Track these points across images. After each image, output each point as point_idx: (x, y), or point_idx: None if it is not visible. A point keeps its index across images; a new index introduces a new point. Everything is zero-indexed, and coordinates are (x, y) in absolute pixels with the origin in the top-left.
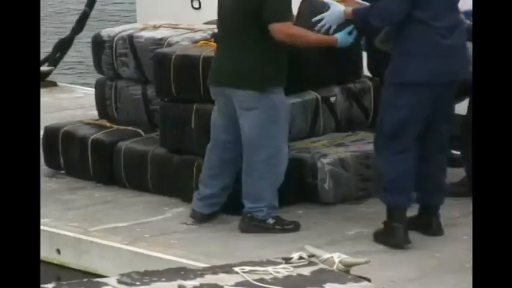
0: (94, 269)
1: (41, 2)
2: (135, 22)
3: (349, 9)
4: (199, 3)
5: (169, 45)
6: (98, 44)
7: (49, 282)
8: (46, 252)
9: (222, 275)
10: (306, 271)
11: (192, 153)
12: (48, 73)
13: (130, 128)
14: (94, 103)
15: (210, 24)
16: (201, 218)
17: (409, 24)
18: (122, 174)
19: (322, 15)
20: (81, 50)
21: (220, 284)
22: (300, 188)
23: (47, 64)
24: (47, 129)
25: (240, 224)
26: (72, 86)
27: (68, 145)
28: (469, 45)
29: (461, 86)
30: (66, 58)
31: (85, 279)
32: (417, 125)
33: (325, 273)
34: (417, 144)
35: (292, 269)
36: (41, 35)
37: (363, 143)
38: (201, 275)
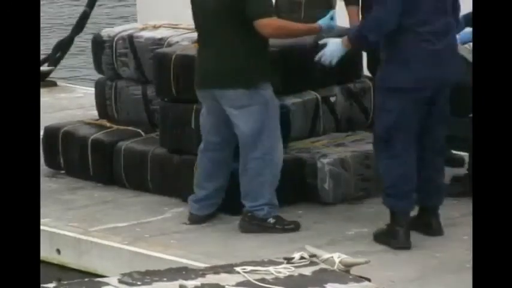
0: (94, 269)
1: None
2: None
3: (345, 38)
4: None
5: (169, 45)
6: (98, 44)
7: (49, 282)
8: (46, 252)
9: (223, 275)
10: (307, 271)
11: (192, 153)
12: (48, 73)
13: (130, 128)
14: (94, 103)
15: None
16: (199, 220)
17: (396, 30)
18: (122, 174)
19: (321, 52)
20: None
21: (221, 284)
22: (300, 188)
23: (47, 64)
24: (47, 129)
25: (240, 224)
26: (72, 86)
27: (68, 145)
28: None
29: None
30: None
31: (86, 279)
32: (408, 130)
33: (326, 273)
34: (415, 148)
35: (293, 269)
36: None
37: (363, 143)
38: (203, 275)
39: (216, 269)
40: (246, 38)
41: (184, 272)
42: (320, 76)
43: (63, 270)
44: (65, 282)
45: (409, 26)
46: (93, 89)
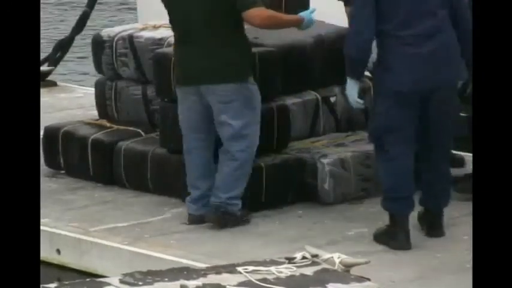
0: (94, 269)
1: None
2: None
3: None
4: None
5: (169, 45)
6: (98, 44)
7: (49, 282)
8: (46, 253)
9: (225, 275)
10: (309, 271)
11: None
12: (48, 73)
13: (130, 128)
14: (94, 103)
15: None
16: (198, 220)
17: (379, 36)
18: (122, 174)
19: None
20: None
21: (223, 283)
22: (300, 188)
23: (47, 64)
24: (47, 129)
25: (211, 217)
26: (72, 86)
27: (68, 145)
28: None
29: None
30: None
31: (87, 279)
32: (399, 133)
33: (328, 273)
34: (414, 150)
35: (295, 268)
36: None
37: (363, 143)
38: (204, 275)
39: (217, 269)
40: (234, 32)
41: (185, 272)
42: (320, 76)
43: (63, 271)
44: (66, 283)
45: (388, 30)
46: (93, 89)
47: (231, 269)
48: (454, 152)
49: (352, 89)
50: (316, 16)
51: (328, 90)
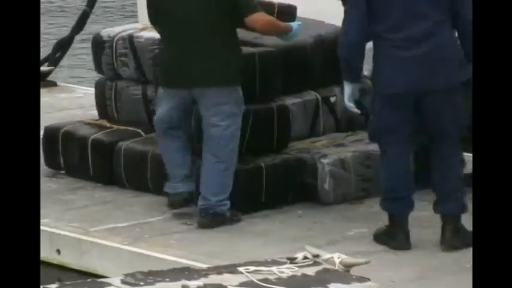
0: (94, 269)
1: None
2: None
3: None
4: None
5: None
6: (98, 44)
7: (49, 282)
8: (46, 253)
9: (226, 275)
10: (311, 271)
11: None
12: (48, 73)
13: (130, 128)
14: (94, 103)
15: None
16: (178, 203)
17: (373, 38)
18: (122, 174)
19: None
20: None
21: (224, 284)
22: (300, 188)
23: (47, 64)
24: (47, 129)
25: (201, 221)
26: (72, 86)
27: (68, 145)
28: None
29: None
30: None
31: (89, 280)
32: (395, 134)
33: (329, 274)
34: (408, 152)
35: (296, 269)
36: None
37: (363, 143)
38: (205, 275)
39: (219, 269)
40: (230, 35)
41: (187, 272)
42: (320, 76)
43: (63, 271)
44: (68, 283)
45: (379, 32)
46: (93, 89)
47: (232, 269)
48: None
49: (346, 91)
50: (316, 16)
51: (328, 90)
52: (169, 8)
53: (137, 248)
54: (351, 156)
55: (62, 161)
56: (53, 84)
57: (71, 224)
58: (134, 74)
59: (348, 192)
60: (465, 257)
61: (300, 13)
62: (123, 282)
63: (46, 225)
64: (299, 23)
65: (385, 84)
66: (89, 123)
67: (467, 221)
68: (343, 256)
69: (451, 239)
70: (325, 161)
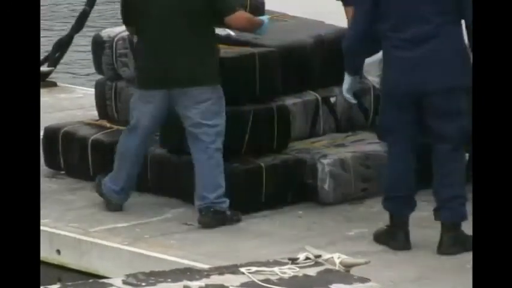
0: (94, 270)
1: None
2: None
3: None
4: None
5: None
6: (98, 44)
7: (49, 282)
8: (46, 253)
9: (227, 276)
10: (312, 271)
11: None
12: (48, 73)
13: None
14: (94, 103)
15: None
16: (118, 209)
17: (380, 35)
18: None
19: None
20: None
21: (225, 284)
22: (300, 188)
23: (46, 64)
24: (47, 129)
25: (202, 220)
26: (72, 86)
27: (68, 145)
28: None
29: None
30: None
31: (90, 280)
32: (396, 134)
33: (331, 274)
34: (409, 152)
35: (298, 269)
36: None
37: (363, 144)
38: (207, 276)
39: (220, 270)
40: (208, 36)
41: (188, 273)
42: (320, 76)
43: (63, 271)
44: (69, 284)
45: (384, 31)
46: (93, 89)
47: (233, 269)
48: None
49: (345, 82)
50: (316, 16)
51: (328, 90)
52: (146, 8)
53: (137, 249)
54: (351, 157)
55: (62, 161)
56: (53, 84)
57: (71, 224)
58: (134, 74)
59: (348, 192)
60: (465, 257)
61: (300, 13)
62: (125, 282)
63: (46, 226)
64: (268, 16)
65: (386, 83)
66: (89, 124)
67: (467, 222)
68: (343, 256)
69: (447, 248)
70: (325, 161)
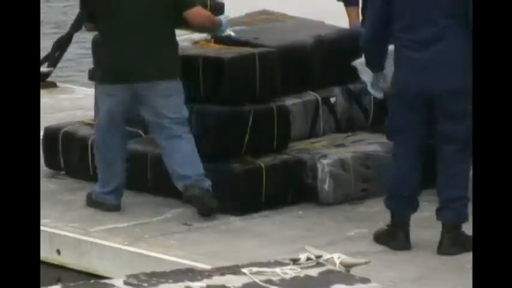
0: (94, 270)
1: None
2: None
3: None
4: None
5: None
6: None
7: (49, 282)
8: (46, 253)
9: (229, 276)
10: (314, 272)
11: None
12: (48, 74)
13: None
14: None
15: None
16: (117, 209)
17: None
18: None
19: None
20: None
21: (227, 285)
22: (300, 188)
23: (46, 64)
24: (47, 129)
25: (188, 193)
26: (72, 86)
27: (68, 146)
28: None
29: None
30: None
31: (92, 281)
32: (403, 135)
33: (332, 275)
34: (415, 153)
35: (299, 270)
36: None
37: (363, 144)
38: (209, 276)
39: (222, 270)
40: (171, 31)
41: (190, 274)
42: (320, 77)
43: (63, 271)
44: (70, 284)
45: (395, 31)
46: (93, 89)
47: (235, 270)
48: None
49: (367, 79)
50: (316, 16)
51: (328, 90)
52: (110, 6)
53: (137, 249)
54: (350, 157)
55: (62, 161)
56: (53, 85)
57: (71, 224)
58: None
59: (348, 192)
60: (465, 258)
61: (300, 13)
62: (126, 283)
63: (46, 226)
64: (227, 16)
65: (397, 83)
66: (89, 124)
67: (467, 222)
68: (343, 256)
69: (447, 248)
70: (325, 161)
